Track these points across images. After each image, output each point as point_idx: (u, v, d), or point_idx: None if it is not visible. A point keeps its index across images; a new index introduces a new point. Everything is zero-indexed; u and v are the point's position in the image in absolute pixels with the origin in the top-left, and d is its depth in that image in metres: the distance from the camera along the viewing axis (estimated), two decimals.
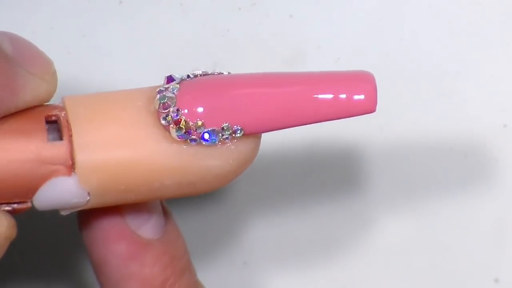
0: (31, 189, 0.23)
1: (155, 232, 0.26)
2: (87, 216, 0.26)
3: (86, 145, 0.23)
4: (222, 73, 0.24)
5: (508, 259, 0.34)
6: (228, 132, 0.23)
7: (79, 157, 0.23)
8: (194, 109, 0.23)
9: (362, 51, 0.35)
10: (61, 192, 0.23)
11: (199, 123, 0.23)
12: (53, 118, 0.24)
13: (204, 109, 0.23)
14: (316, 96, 0.23)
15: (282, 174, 0.34)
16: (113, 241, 0.26)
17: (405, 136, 0.35)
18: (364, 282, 0.34)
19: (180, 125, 0.23)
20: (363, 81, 0.23)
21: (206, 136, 0.23)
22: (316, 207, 0.34)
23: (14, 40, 0.24)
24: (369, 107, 0.23)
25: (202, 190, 0.24)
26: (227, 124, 0.23)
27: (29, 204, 0.24)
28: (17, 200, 0.24)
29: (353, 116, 0.23)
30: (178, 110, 0.23)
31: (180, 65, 0.36)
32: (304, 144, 0.34)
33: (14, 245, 0.24)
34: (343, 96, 0.23)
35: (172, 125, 0.23)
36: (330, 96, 0.23)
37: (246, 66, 0.36)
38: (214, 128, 0.23)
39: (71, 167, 0.23)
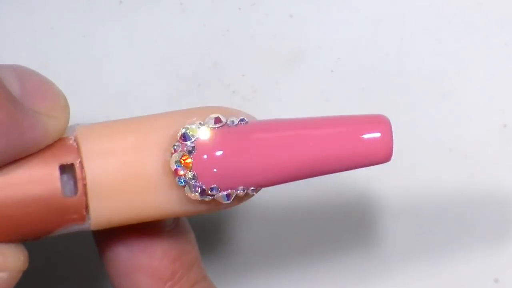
0: (44, 233, 0.24)
1: (166, 226, 0.26)
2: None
3: (101, 195, 0.23)
4: (240, 122, 0.24)
5: (508, 259, 0.34)
6: (242, 193, 0.23)
7: (93, 208, 0.23)
8: (208, 174, 0.23)
9: (362, 51, 0.35)
10: (73, 231, 0.24)
11: (214, 188, 0.23)
12: (68, 165, 0.23)
13: (218, 175, 0.23)
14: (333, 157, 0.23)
15: None
16: (122, 233, 0.26)
17: (405, 136, 0.35)
18: (364, 282, 0.34)
19: (194, 191, 0.23)
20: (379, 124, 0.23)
21: (222, 196, 0.23)
22: (316, 207, 0.34)
23: (22, 76, 0.24)
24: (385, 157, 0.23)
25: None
26: (242, 187, 0.23)
27: (43, 239, 0.24)
28: (32, 239, 0.24)
29: (366, 164, 0.23)
30: (194, 176, 0.23)
31: (180, 65, 0.36)
32: None
33: None
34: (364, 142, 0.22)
35: (186, 188, 0.23)
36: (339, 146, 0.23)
37: (246, 66, 0.36)
38: (229, 191, 0.23)
39: (85, 215, 0.23)
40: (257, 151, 0.23)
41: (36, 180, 0.23)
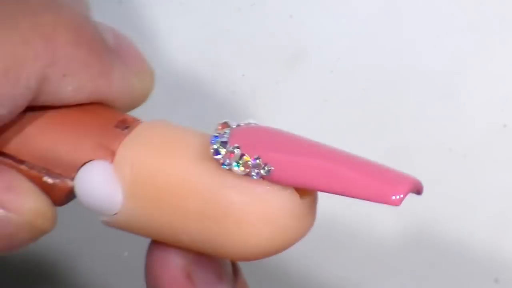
0: (76, 164, 0.23)
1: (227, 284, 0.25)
2: (155, 276, 0.25)
3: (136, 141, 0.23)
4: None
5: (508, 259, 0.34)
6: (256, 163, 0.22)
7: (123, 145, 0.23)
8: (238, 137, 0.22)
9: (362, 51, 0.35)
10: (97, 179, 0.23)
11: (235, 146, 0.22)
12: (128, 121, 0.24)
13: (246, 138, 0.22)
14: (353, 177, 0.22)
15: None
16: None
17: (405, 136, 0.35)
18: (364, 282, 0.34)
19: (217, 141, 0.22)
20: (403, 183, 0.22)
21: (236, 156, 0.22)
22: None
23: (117, 35, 0.25)
24: (393, 203, 0.22)
25: (225, 243, 0.23)
26: (259, 158, 0.22)
27: (69, 184, 0.23)
28: (59, 171, 0.23)
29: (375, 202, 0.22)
30: (225, 134, 0.22)
31: (180, 65, 0.36)
32: None
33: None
34: (378, 188, 0.22)
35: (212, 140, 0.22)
36: (367, 181, 0.22)
37: (246, 66, 0.36)
38: (246, 154, 0.22)
39: (114, 155, 0.23)
40: (287, 141, 0.22)
41: (98, 113, 0.24)
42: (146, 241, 0.24)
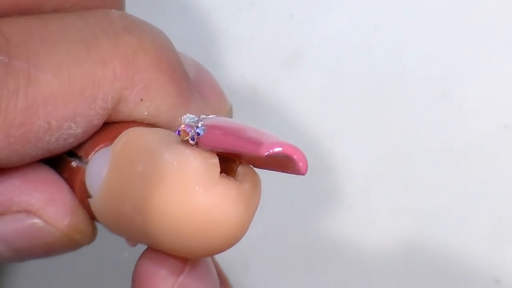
0: (93, 145, 0.23)
1: None
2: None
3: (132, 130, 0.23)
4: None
5: (508, 259, 0.34)
6: (191, 124, 0.22)
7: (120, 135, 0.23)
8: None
9: (362, 51, 0.35)
10: (101, 161, 0.23)
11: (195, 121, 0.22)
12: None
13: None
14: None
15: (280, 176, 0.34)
16: None
17: (405, 136, 0.35)
18: (364, 282, 0.34)
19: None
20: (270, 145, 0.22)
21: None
22: (317, 207, 0.34)
23: (199, 68, 0.25)
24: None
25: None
26: (197, 125, 0.22)
27: (83, 166, 0.23)
28: (79, 149, 0.23)
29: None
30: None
31: None
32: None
33: None
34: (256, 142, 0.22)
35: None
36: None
37: (246, 66, 0.36)
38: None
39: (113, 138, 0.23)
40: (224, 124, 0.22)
41: None
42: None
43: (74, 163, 0.24)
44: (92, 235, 0.24)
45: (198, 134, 0.21)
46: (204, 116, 0.22)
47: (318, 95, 0.35)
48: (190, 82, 0.24)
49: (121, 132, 0.23)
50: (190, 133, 0.22)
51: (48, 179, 0.23)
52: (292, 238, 0.35)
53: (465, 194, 0.34)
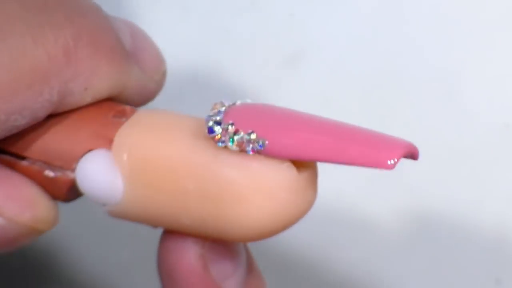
0: (75, 155, 0.23)
1: (238, 286, 0.25)
2: (169, 265, 0.24)
3: (131, 128, 0.23)
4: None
5: (509, 259, 0.34)
6: (250, 138, 0.22)
7: (120, 132, 0.23)
8: (232, 115, 0.22)
9: (362, 51, 0.35)
10: (97, 166, 0.23)
11: (229, 123, 0.22)
12: (126, 111, 0.24)
13: (239, 114, 0.22)
14: (347, 144, 0.22)
15: None
16: None
17: (405, 136, 0.35)
18: (364, 282, 0.34)
19: (212, 119, 0.22)
20: (397, 148, 0.22)
21: (231, 131, 0.22)
22: (316, 207, 0.34)
23: (134, 33, 0.25)
24: (388, 167, 0.22)
25: (225, 220, 0.23)
26: (254, 132, 0.22)
27: (70, 176, 0.23)
28: (60, 164, 0.24)
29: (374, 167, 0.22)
30: (219, 112, 0.23)
31: (180, 65, 0.36)
32: None
33: None
34: (373, 154, 0.21)
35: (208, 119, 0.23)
36: (361, 149, 0.22)
37: (246, 66, 0.36)
38: (240, 130, 0.22)
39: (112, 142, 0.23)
40: (280, 115, 0.23)
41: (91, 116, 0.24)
42: (147, 239, 0.24)
43: (50, 173, 0.24)
44: (55, 220, 0.24)
45: (260, 146, 0.22)
46: (228, 106, 0.23)
47: (318, 95, 0.35)
48: (128, 56, 0.24)
49: (91, 132, 0.23)
50: (247, 148, 0.22)
51: (2, 175, 0.23)
52: (290, 237, 0.35)
53: (465, 194, 0.34)
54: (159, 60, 0.26)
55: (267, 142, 0.22)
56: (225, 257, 0.24)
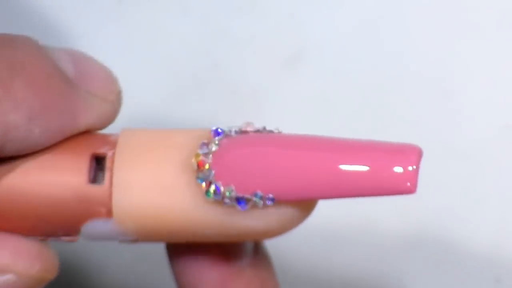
0: (73, 227, 0.23)
1: (247, 259, 0.25)
2: (177, 243, 0.25)
3: (124, 191, 0.23)
4: (272, 131, 0.23)
5: (509, 259, 0.33)
6: (259, 200, 0.22)
7: (115, 202, 0.23)
8: (227, 171, 0.22)
9: (362, 51, 0.35)
10: (103, 232, 0.23)
11: (231, 189, 0.22)
12: (101, 156, 0.23)
13: (237, 173, 0.22)
14: (349, 167, 0.22)
15: None
16: (205, 268, 0.25)
17: (405, 136, 0.35)
18: (364, 282, 0.34)
19: (210, 189, 0.22)
20: (406, 154, 0.22)
21: (238, 201, 0.22)
22: (316, 207, 0.34)
23: (76, 59, 0.24)
24: (408, 188, 0.22)
25: (251, 239, 0.24)
26: (259, 192, 0.22)
27: (76, 238, 0.23)
28: (62, 234, 0.23)
29: (391, 194, 0.22)
30: (211, 171, 0.22)
31: (180, 65, 0.36)
32: None
33: None
34: (389, 182, 0.21)
35: (204, 186, 0.22)
36: (366, 168, 0.21)
37: (246, 66, 0.36)
38: (244, 195, 0.22)
39: (111, 210, 0.23)
40: (279, 160, 0.22)
41: (67, 166, 0.23)
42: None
43: (53, 238, 0.24)
44: (57, 268, 0.24)
45: (272, 200, 0.22)
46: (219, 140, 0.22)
47: (318, 95, 0.35)
48: (71, 82, 0.23)
49: (80, 200, 0.23)
50: (258, 205, 0.22)
51: (5, 234, 0.23)
52: (291, 238, 0.35)
53: (465, 194, 0.34)
54: (110, 81, 0.25)
55: (274, 197, 0.22)
56: (238, 246, 0.25)
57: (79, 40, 0.36)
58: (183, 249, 0.25)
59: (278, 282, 0.26)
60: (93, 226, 0.23)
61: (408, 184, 0.21)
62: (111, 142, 0.23)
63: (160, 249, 0.26)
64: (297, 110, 0.35)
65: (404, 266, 0.34)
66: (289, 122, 0.35)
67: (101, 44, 0.36)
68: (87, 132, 0.24)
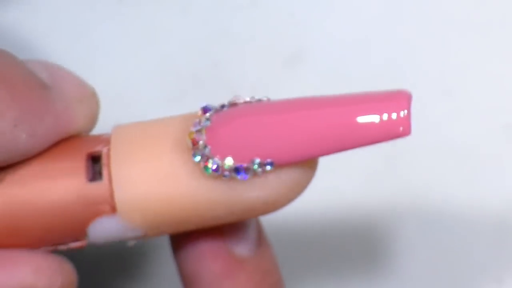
0: (80, 230, 0.23)
1: (250, 250, 0.25)
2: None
3: (124, 184, 0.23)
4: (261, 100, 0.23)
5: (510, 259, 0.33)
6: (258, 167, 0.22)
7: (118, 197, 0.22)
8: (222, 144, 0.22)
9: (362, 51, 0.35)
10: (111, 230, 0.23)
11: (229, 161, 0.22)
12: (96, 154, 0.23)
13: (233, 144, 0.22)
14: (354, 118, 0.22)
15: None
16: (208, 259, 0.25)
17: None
18: (364, 282, 0.34)
19: (208, 164, 0.22)
20: (399, 99, 0.22)
21: (237, 172, 0.22)
22: (316, 207, 0.34)
23: (49, 67, 0.25)
24: (402, 132, 0.22)
25: (259, 213, 0.24)
26: (256, 159, 0.22)
27: (84, 242, 0.23)
28: (70, 240, 0.23)
29: (391, 139, 0.22)
30: (206, 146, 0.22)
31: (180, 65, 0.36)
32: None
33: None
34: (384, 117, 0.22)
35: (202, 163, 0.22)
36: (361, 119, 0.22)
37: (246, 66, 0.36)
38: (243, 164, 0.22)
39: (114, 206, 0.23)
40: (272, 124, 0.22)
41: (63, 168, 0.23)
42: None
43: (62, 247, 0.24)
44: (76, 281, 0.24)
45: (270, 165, 0.22)
46: (208, 119, 0.22)
47: (318, 95, 0.35)
48: (47, 87, 0.24)
49: (83, 199, 0.23)
50: (258, 172, 0.22)
51: (24, 252, 0.23)
52: (291, 238, 0.35)
53: (465, 194, 0.34)
54: (82, 84, 0.25)
55: (273, 162, 0.22)
56: (236, 227, 0.25)
57: (79, 40, 0.36)
58: (186, 239, 0.25)
59: (281, 274, 0.27)
60: (99, 226, 0.23)
61: (401, 128, 0.22)
62: (105, 140, 0.23)
63: (160, 242, 0.26)
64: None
65: (403, 266, 0.34)
66: None
67: (101, 44, 0.36)
68: (77, 136, 0.24)
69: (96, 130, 0.35)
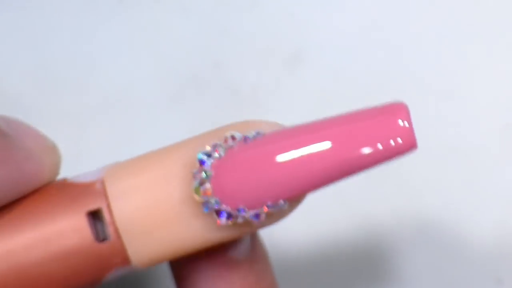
0: (93, 282, 0.23)
1: (244, 252, 0.25)
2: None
3: (136, 240, 0.22)
4: (256, 136, 0.22)
5: (510, 259, 0.34)
6: (272, 209, 0.22)
7: (131, 252, 0.22)
8: (231, 195, 0.22)
9: (362, 51, 0.35)
10: (122, 273, 0.23)
11: (244, 211, 0.22)
12: (96, 211, 0.23)
13: (242, 193, 0.22)
14: (359, 150, 0.22)
15: None
16: (201, 262, 0.25)
17: None
18: (364, 282, 0.34)
19: (222, 217, 0.22)
20: (396, 114, 0.22)
21: (251, 216, 0.22)
22: (316, 207, 0.34)
23: (8, 121, 0.24)
24: (410, 146, 0.22)
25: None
26: (269, 203, 0.22)
27: (102, 282, 0.23)
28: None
29: (396, 157, 0.22)
30: (217, 201, 0.22)
31: (180, 65, 0.36)
32: None
33: None
34: (390, 142, 0.21)
35: (214, 215, 0.22)
36: (364, 148, 0.22)
37: (246, 66, 0.36)
38: (257, 211, 0.22)
39: (128, 257, 0.23)
40: (276, 162, 0.22)
41: (65, 231, 0.22)
42: None
43: None
44: None
45: (284, 203, 0.22)
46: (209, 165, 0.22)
47: (318, 95, 0.35)
48: (8, 135, 0.23)
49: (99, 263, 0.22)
50: (273, 212, 0.22)
51: None
52: (292, 237, 0.35)
53: (466, 194, 0.34)
54: (41, 137, 0.25)
55: (287, 202, 0.22)
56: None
57: (79, 40, 0.36)
58: None
59: (275, 277, 0.27)
60: (112, 275, 0.23)
61: (410, 150, 0.22)
62: (99, 192, 0.23)
63: None
64: (297, 110, 0.35)
65: (404, 266, 0.34)
66: (289, 122, 0.35)
67: (101, 44, 0.36)
68: (63, 183, 0.23)
69: (96, 130, 0.35)
